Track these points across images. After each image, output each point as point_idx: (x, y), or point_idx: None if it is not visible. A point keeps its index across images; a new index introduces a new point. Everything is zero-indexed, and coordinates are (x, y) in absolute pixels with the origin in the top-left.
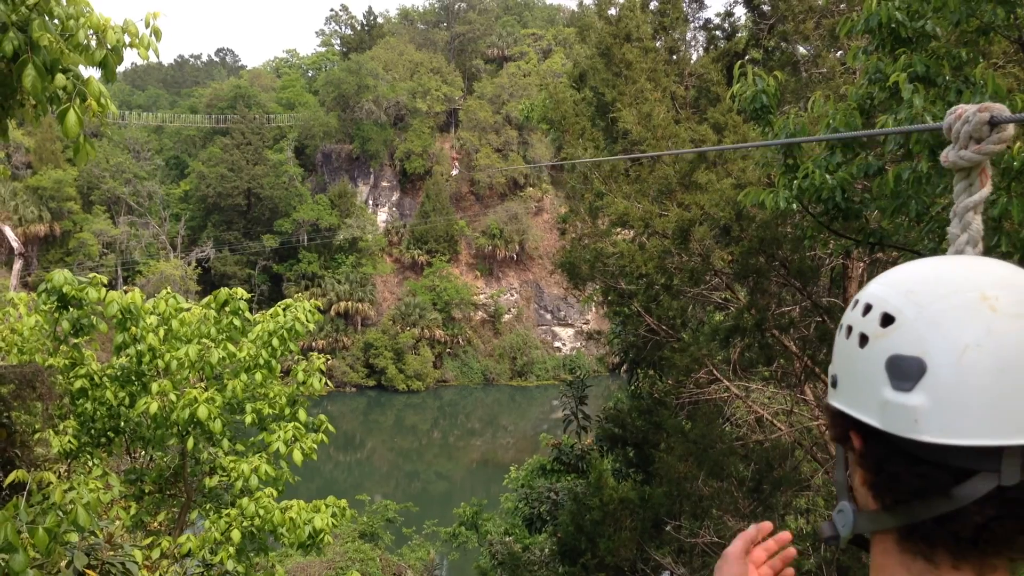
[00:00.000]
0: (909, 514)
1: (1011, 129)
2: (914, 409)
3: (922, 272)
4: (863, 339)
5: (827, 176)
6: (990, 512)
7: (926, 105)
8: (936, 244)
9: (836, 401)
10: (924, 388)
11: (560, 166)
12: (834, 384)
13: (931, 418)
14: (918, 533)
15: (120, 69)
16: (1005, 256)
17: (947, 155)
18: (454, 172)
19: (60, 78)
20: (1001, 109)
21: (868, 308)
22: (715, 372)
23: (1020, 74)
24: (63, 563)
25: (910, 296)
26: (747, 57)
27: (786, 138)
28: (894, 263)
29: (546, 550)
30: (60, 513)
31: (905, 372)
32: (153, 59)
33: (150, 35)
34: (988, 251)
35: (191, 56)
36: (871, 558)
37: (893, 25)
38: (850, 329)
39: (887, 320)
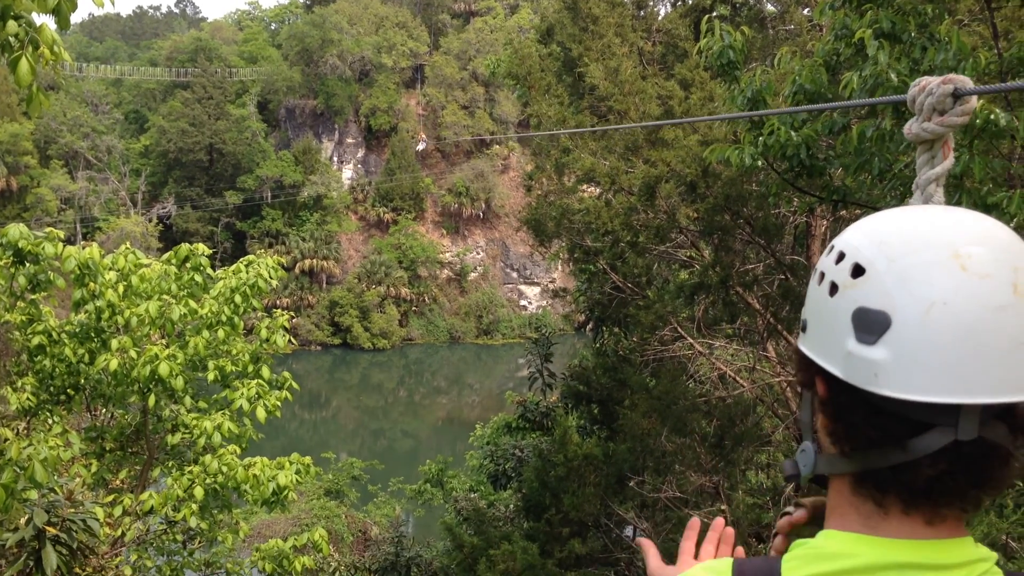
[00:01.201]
0: (864, 461)
1: (974, 101)
2: (875, 363)
3: (898, 223)
4: (833, 288)
5: (792, 133)
6: (943, 466)
7: (891, 62)
8: (899, 202)
9: (804, 346)
10: (887, 343)
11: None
12: (804, 328)
13: (891, 373)
14: (871, 480)
15: (77, 20)
16: None
17: (910, 127)
18: (420, 147)
19: (11, 25)
20: (964, 81)
21: (841, 256)
22: (679, 329)
23: (985, 32)
24: (22, 520)
25: (882, 248)
26: (715, 13)
27: (751, 95)
28: (857, 220)
29: (511, 506)
30: (17, 469)
31: (870, 325)
32: (110, 9)
33: None
34: None
35: (150, 7)
36: (828, 498)
37: None
38: (823, 276)
39: (858, 271)
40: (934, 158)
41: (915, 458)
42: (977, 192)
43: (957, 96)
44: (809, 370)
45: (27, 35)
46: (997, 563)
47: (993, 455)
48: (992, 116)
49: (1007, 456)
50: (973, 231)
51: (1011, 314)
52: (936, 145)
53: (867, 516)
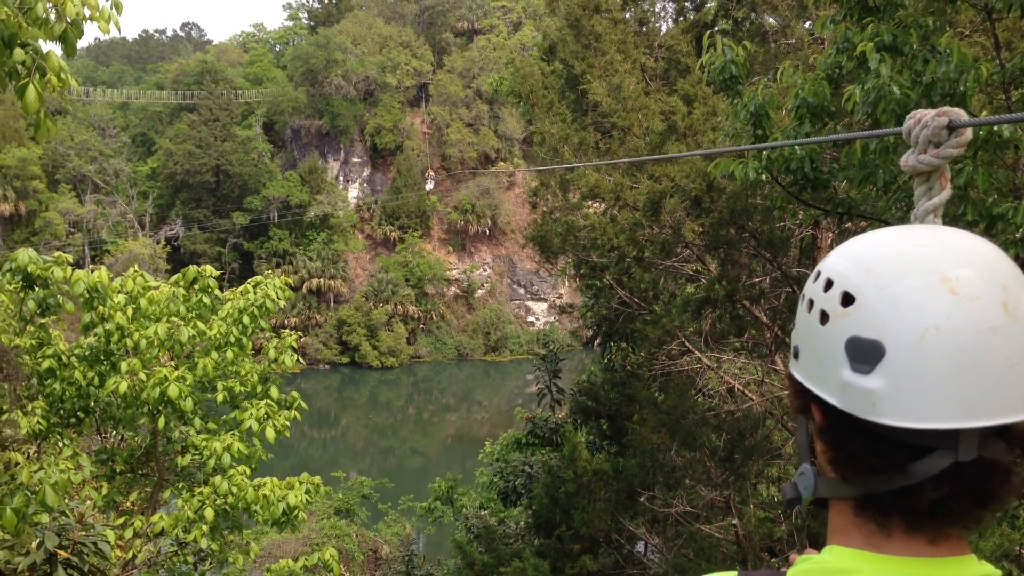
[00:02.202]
0: (866, 486)
1: (969, 133)
2: (872, 392)
3: (884, 248)
4: (824, 316)
5: (795, 146)
6: (946, 489)
7: (893, 75)
8: (904, 213)
9: (798, 372)
10: (882, 372)
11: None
12: (795, 355)
13: (889, 401)
14: (874, 504)
15: (83, 45)
16: (971, 225)
17: (907, 160)
18: (429, 186)
19: (19, 52)
20: (959, 114)
21: (829, 284)
22: (687, 344)
23: (986, 43)
24: (34, 543)
25: (870, 276)
26: (716, 28)
27: (754, 109)
28: (863, 232)
29: (521, 523)
30: (28, 493)
31: (864, 355)
32: (117, 34)
33: (110, 8)
34: (954, 220)
35: (156, 31)
36: (829, 517)
37: None
38: (812, 303)
39: (847, 299)
40: (931, 189)
41: (917, 482)
42: (982, 203)
43: (952, 128)
44: (804, 397)
45: (34, 62)
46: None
47: (994, 473)
48: (996, 128)
49: (1007, 472)
50: (959, 252)
51: (1003, 335)
52: (933, 177)
53: (870, 535)
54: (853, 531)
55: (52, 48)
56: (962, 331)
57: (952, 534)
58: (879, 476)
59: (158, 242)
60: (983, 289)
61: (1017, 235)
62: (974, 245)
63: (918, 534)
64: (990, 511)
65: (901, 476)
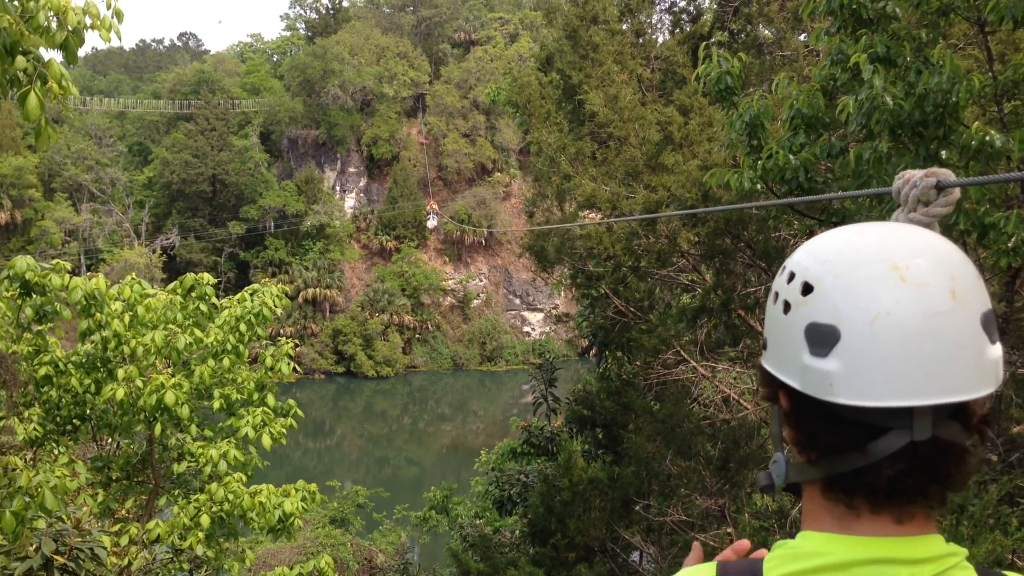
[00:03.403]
0: (829, 467)
1: (957, 192)
2: (829, 374)
3: (841, 241)
4: (786, 306)
5: (791, 156)
6: (901, 466)
7: (886, 86)
8: None
9: (766, 363)
10: (838, 354)
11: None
12: (764, 347)
13: (844, 382)
14: (838, 484)
15: (81, 54)
16: (963, 234)
17: (897, 218)
18: (432, 223)
19: (20, 60)
20: (947, 174)
21: (792, 276)
22: (682, 353)
23: (979, 55)
24: (31, 548)
25: (827, 266)
26: (712, 40)
27: (750, 119)
28: None
29: (517, 532)
30: (27, 497)
31: (821, 339)
32: (115, 43)
33: (111, 16)
34: (947, 230)
35: (153, 40)
36: (802, 503)
37: (854, 6)
38: (776, 295)
39: (807, 289)
40: None
41: (875, 461)
42: (974, 212)
43: (940, 188)
44: (772, 385)
45: (35, 70)
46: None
47: (948, 452)
48: (988, 138)
49: (962, 452)
50: (911, 244)
51: (951, 319)
52: None
53: (840, 518)
54: (824, 515)
55: (53, 56)
56: (911, 315)
57: (916, 512)
58: (840, 457)
59: (154, 251)
60: (932, 277)
61: (1009, 244)
62: (925, 238)
63: (883, 513)
64: (949, 489)
65: (860, 456)
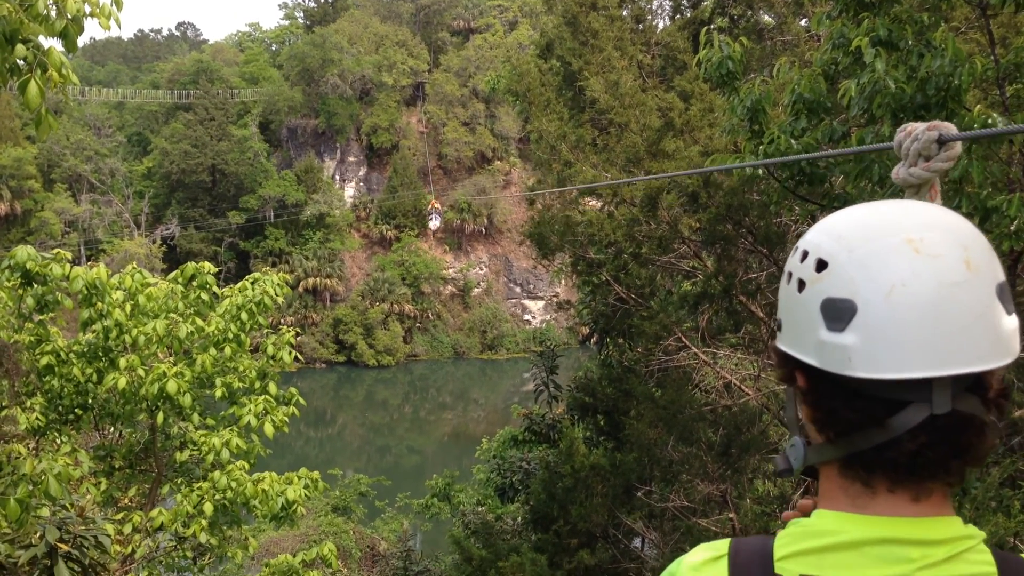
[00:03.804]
0: (850, 445)
1: (959, 147)
2: (847, 348)
3: (853, 218)
4: (801, 284)
5: (792, 141)
6: (923, 439)
7: (888, 69)
8: None
9: (781, 344)
10: (855, 328)
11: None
12: (779, 328)
13: (862, 355)
14: (858, 461)
15: (79, 44)
16: (966, 218)
17: (898, 172)
18: (434, 223)
19: (20, 48)
20: (949, 128)
21: (805, 255)
22: (684, 339)
23: (981, 39)
24: (35, 536)
25: (841, 241)
26: (712, 25)
27: (751, 104)
28: None
29: (519, 519)
30: (31, 485)
31: (838, 313)
32: (113, 32)
33: (111, 4)
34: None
35: (151, 30)
36: (819, 485)
37: None
38: (790, 275)
39: (821, 265)
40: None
41: (896, 436)
42: (976, 196)
43: (942, 142)
44: (788, 365)
45: (35, 58)
46: (998, 534)
47: (968, 425)
48: (990, 121)
49: (982, 426)
50: (923, 218)
51: (966, 289)
52: (923, 189)
53: (855, 497)
54: (840, 494)
55: (53, 44)
56: (927, 286)
57: (934, 490)
58: (860, 433)
59: (154, 242)
60: (946, 248)
61: (1012, 227)
62: (937, 211)
63: (901, 491)
64: (968, 464)
65: (881, 431)
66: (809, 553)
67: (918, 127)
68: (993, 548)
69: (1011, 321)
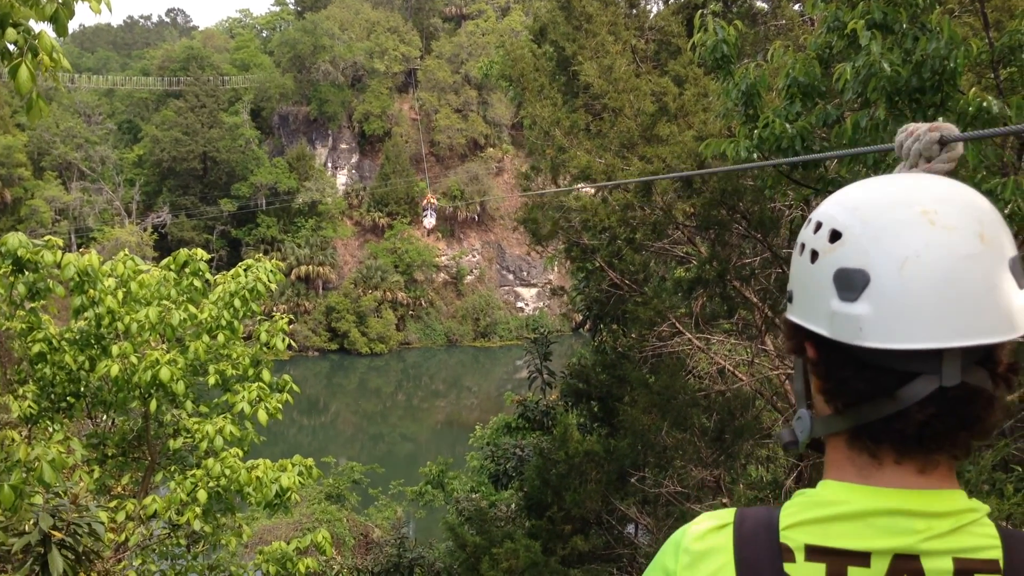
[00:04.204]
0: (858, 416)
1: (960, 148)
2: (858, 317)
3: (868, 190)
4: (814, 255)
5: (787, 125)
6: (931, 411)
7: (883, 52)
8: None
9: (792, 315)
10: (867, 298)
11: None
12: (790, 299)
13: (874, 325)
14: (866, 432)
15: (68, 30)
16: None
17: (899, 172)
18: (429, 220)
19: (11, 32)
20: (951, 129)
21: (819, 226)
22: (678, 325)
23: (975, 22)
24: (29, 523)
25: (855, 213)
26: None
27: (746, 88)
28: None
29: (512, 505)
30: (25, 471)
31: (850, 283)
32: (103, 19)
33: None
34: None
35: (141, 16)
36: (825, 457)
37: None
38: (803, 246)
39: (835, 236)
40: None
41: (905, 407)
42: (971, 179)
43: (943, 143)
44: (798, 336)
45: (26, 42)
46: (990, 516)
47: (977, 398)
48: (985, 104)
49: (990, 399)
50: (937, 191)
51: (979, 262)
52: None
53: (862, 467)
54: (847, 465)
55: (44, 28)
56: (941, 258)
57: (940, 462)
58: (869, 404)
59: (145, 229)
60: (960, 221)
61: (1006, 211)
62: (951, 185)
63: (907, 462)
64: (976, 436)
65: (890, 402)
66: (815, 522)
67: (920, 127)
68: (998, 523)
69: (1022, 295)
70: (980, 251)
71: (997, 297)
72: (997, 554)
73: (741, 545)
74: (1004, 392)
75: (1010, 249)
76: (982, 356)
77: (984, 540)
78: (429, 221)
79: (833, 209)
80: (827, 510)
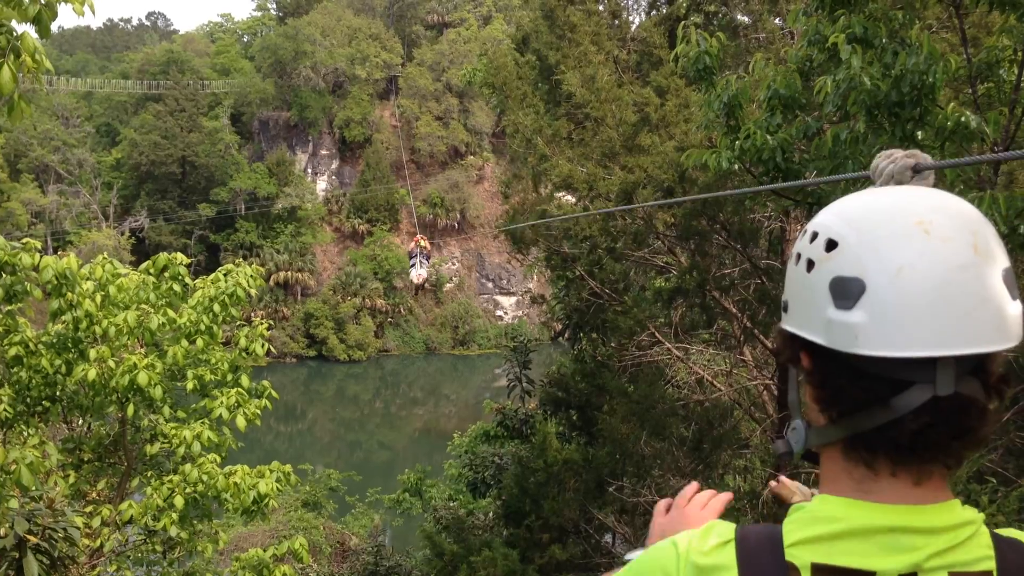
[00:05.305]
0: (853, 425)
1: (932, 177)
2: (854, 325)
3: (864, 201)
4: (810, 264)
5: (768, 137)
6: (925, 419)
7: (863, 66)
8: None
9: (787, 324)
10: (863, 306)
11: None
12: (785, 309)
13: (869, 333)
14: (861, 442)
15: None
16: None
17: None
18: (418, 275)
19: None
20: (926, 158)
21: (815, 236)
22: (657, 335)
23: (953, 39)
24: (4, 527)
25: (851, 223)
26: (688, 21)
27: (727, 100)
28: None
29: (491, 513)
30: (2, 475)
31: (846, 292)
32: (83, 21)
33: None
34: None
35: (121, 20)
36: (821, 469)
37: None
38: (799, 256)
39: (831, 245)
40: None
41: (899, 416)
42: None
43: (917, 171)
44: (793, 346)
45: (8, 43)
46: (986, 523)
47: (970, 408)
48: (963, 119)
49: (983, 410)
50: (932, 202)
51: (973, 272)
52: None
53: (860, 480)
54: (843, 477)
55: (27, 29)
56: (935, 267)
57: (935, 472)
58: (864, 413)
59: (122, 233)
60: (954, 232)
61: None
62: (945, 198)
63: (903, 474)
64: (968, 447)
65: (884, 411)
66: (819, 540)
67: (897, 153)
68: (992, 531)
69: (1016, 306)
70: (974, 261)
71: (990, 307)
72: (991, 565)
73: (746, 563)
74: (996, 403)
75: (1002, 260)
76: (975, 366)
77: (980, 552)
78: (418, 273)
79: (829, 219)
80: (830, 527)
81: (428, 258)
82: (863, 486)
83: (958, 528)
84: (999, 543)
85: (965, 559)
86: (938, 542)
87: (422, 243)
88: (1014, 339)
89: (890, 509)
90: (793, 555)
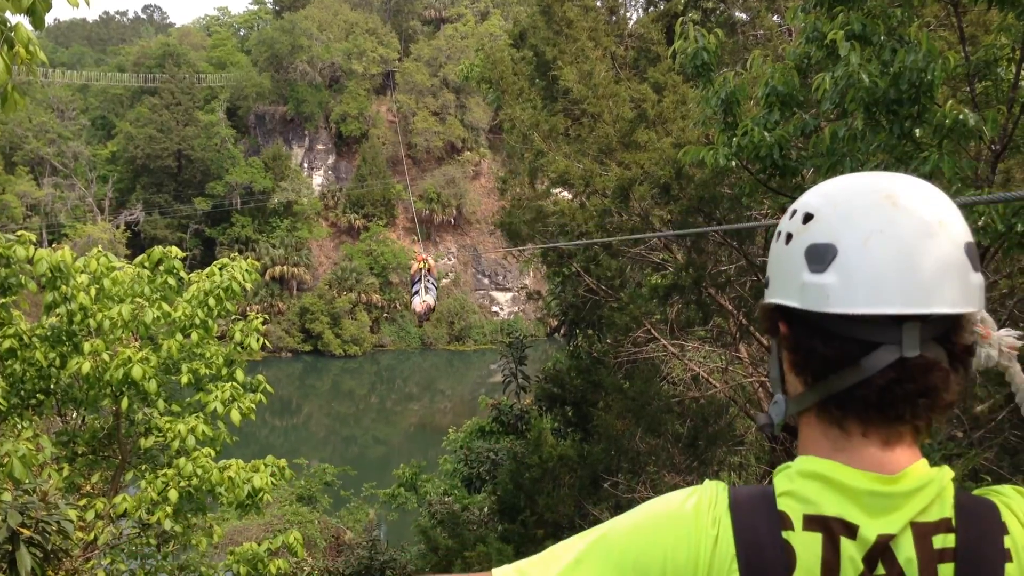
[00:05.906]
0: (827, 387)
1: None
2: (826, 286)
3: (840, 181)
4: (788, 237)
5: (765, 134)
6: (891, 375)
7: (862, 63)
8: None
9: (768, 298)
10: (835, 268)
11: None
12: (767, 284)
13: (840, 293)
14: (833, 402)
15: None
16: None
17: None
18: (420, 301)
19: None
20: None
21: (794, 212)
22: (653, 331)
23: (950, 37)
24: None
25: (827, 198)
26: (686, 17)
27: (725, 96)
28: None
29: (485, 509)
30: None
31: (820, 256)
32: (78, 14)
33: None
34: None
35: (117, 12)
36: (799, 437)
37: None
38: (779, 233)
39: (807, 218)
40: None
41: (868, 376)
42: (946, 191)
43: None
44: (773, 318)
45: (2, 34)
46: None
47: (935, 368)
48: (961, 116)
49: (947, 373)
50: (902, 183)
51: (937, 242)
52: None
53: (835, 440)
54: (821, 440)
55: (21, 20)
56: (902, 234)
57: (904, 434)
58: (836, 375)
59: (118, 227)
60: (921, 206)
61: (979, 223)
62: (916, 180)
63: (873, 435)
64: (934, 407)
65: (854, 371)
66: (808, 492)
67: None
68: (957, 490)
69: (977, 276)
70: (938, 231)
71: (952, 272)
72: (949, 512)
73: (739, 512)
74: (961, 372)
75: (966, 236)
76: (940, 334)
77: (945, 512)
78: (422, 300)
79: (807, 198)
80: (816, 480)
81: (436, 282)
82: (838, 445)
83: (927, 488)
84: (959, 504)
85: (931, 519)
86: (915, 504)
87: (427, 262)
88: (974, 305)
89: (863, 476)
90: (785, 504)
